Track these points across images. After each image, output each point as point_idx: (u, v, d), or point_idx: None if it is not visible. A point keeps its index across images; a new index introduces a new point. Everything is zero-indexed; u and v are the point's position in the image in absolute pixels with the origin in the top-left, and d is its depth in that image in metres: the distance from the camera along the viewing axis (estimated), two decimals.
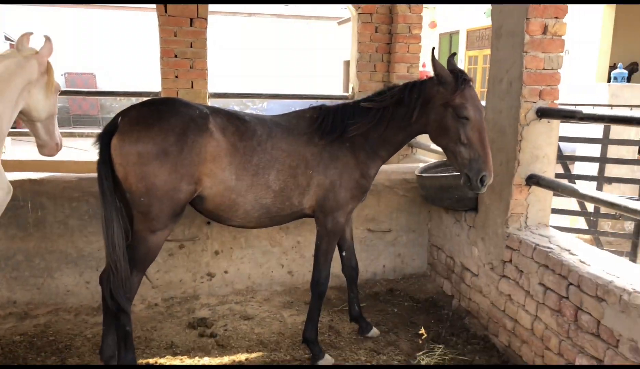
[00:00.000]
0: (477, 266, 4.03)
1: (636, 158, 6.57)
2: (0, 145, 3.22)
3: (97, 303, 4.16)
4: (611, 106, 6.46)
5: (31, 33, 3.33)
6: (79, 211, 4.16)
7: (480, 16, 16.17)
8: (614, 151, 6.41)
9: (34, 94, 3.25)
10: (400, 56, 6.18)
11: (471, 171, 3.04)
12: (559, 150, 5.68)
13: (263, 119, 3.37)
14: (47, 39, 3.29)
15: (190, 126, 2.98)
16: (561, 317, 3.10)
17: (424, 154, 6.10)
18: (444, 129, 3.13)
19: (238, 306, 4.33)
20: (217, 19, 22.97)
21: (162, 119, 2.96)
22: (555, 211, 5.41)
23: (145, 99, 3.45)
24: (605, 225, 6.59)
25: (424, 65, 11.77)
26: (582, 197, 3.40)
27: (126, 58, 22.26)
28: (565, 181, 4.77)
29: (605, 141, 5.47)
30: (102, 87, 20.85)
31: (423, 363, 3.54)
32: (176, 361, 3.50)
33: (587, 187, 4.20)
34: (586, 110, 3.31)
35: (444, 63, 3.15)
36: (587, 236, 6.00)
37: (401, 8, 6.05)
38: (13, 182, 3.32)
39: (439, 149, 3.62)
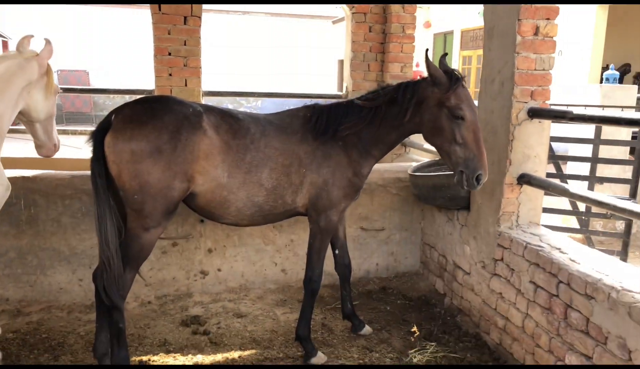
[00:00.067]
0: (469, 264, 4.06)
1: (627, 158, 6.62)
2: (1, 144, 3.25)
3: (90, 300, 4.16)
4: (602, 106, 6.51)
5: (32, 36, 3.42)
6: (71, 208, 4.16)
7: (475, 16, 16.24)
8: (606, 151, 6.46)
9: (33, 95, 3.34)
10: (394, 56, 6.20)
11: (467, 169, 3.08)
12: (551, 150, 5.73)
13: (256, 118, 3.38)
14: (48, 41, 3.37)
15: (183, 124, 2.99)
16: (551, 315, 3.14)
17: (417, 153, 6.12)
18: (439, 129, 3.16)
19: (231, 304, 4.34)
20: (211, 17, 22.97)
21: (155, 117, 2.96)
22: (547, 210, 5.46)
23: (138, 96, 3.46)
24: (597, 224, 6.64)
25: (417, 65, 11.81)
26: (572, 197, 3.44)
27: (120, 55, 22.22)
28: (557, 181, 4.81)
29: (597, 141, 5.51)
30: (95, 84, 20.79)
31: (415, 360, 3.57)
32: (169, 359, 3.51)
33: (577, 187, 4.24)
34: (576, 110, 3.35)
35: (436, 64, 3.17)
36: (579, 235, 6.05)
37: (395, 8, 6.08)
38: None
39: (432, 148, 3.65)
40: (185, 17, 5.69)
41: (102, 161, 2.94)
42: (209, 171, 3.06)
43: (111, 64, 22.01)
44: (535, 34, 3.47)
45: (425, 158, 5.48)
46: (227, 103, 17.41)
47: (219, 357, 3.56)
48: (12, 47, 17.71)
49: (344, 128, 3.35)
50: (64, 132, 4.11)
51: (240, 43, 24.87)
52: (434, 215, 4.69)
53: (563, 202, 5.89)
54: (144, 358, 3.49)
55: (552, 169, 5.82)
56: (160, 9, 5.61)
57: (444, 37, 19.05)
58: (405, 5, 6.08)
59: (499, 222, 3.67)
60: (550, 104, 3.67)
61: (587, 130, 5.86)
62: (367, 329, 3.93)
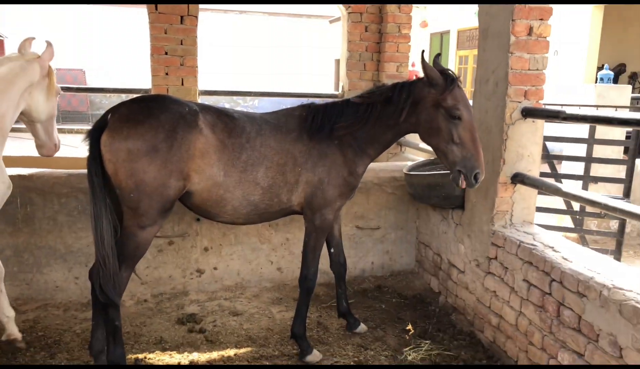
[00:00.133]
0: (464, 263, 4.09)
1: (622, 158, 6.66)
2: (3, 143, 3.33)
3: (86, 298, 4.17)
4: (597, 106, 6.55)
5: (33, 38, 3.54)
6: (68, 207, 4.17)
7: (471, 16, 16.28)
8: (600, 151, 6.50)
9: (35, 96, 3.44)
10: (390, 55, 6.23)
11: (465, 168, 3.12)
12: (546, 149, 5.77)
13: (252, 117, 3.40)
14: (49, 44, 3.48)
15: (179, 123, 3.00)
16: (544, 312, 3.16)
17: (413, 152, 6.15)
18: (436, 129, 3.19)
19: (227, 302, 4.36)
20: (208, 16, 22.96)
21: (151, 115, 2.98)
22: (542, 209, 5.49)
23: (135, 96, 3.48)
24: (592, 224, 6.68)
25: (413, 65, 11.85)
26: (564, 196, 3.48)
27: (119, 55, 22.22)
28: (552, 180, 4.84)
29: (591, 141, 5.55)
30: (93, 83, 20.77)
31: (409, 358, 3.60)
32: (165, 357, 3.53)
33: (570, 186, 4.28)
34: (569, 110, 3.38)
35: (431, 64, 3.20)
36: (574, 235, 6.09)
37: (391, 8, 6.11)
38: None
39: (428, 147, 3.67)
40: (182, 17, 5.71)
41: (98, 159, 2.95)
42: (204, 170, 3.08)
43: (110, 63, 22.02)
44: (529, 34, 3.50)
45: (420, 157, 5.51)
46: (224, 102, 17.41)
47: (214, 355, 3.58)
48: (8, 46, 17.68)
49: (339, 127, 3.37)
50: (61, 130, 4.13)
51: (238, 43, 24.88)
52: (429, 214, 4.72)
53: (558, 202, 5.92)
54: (140, 356, 3.50)
55: (547, 168, 5.86)
56: (157, 9, 5.63)
57: (441, 37, 19.09)
58: (401, 5, 6.11)
59: (492, 221, 3.70)
60: (546, 104, 3.71)
61: (581, 130, 5.90)
62: (362, 327, 3.95)
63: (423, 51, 3.20)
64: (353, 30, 6.31)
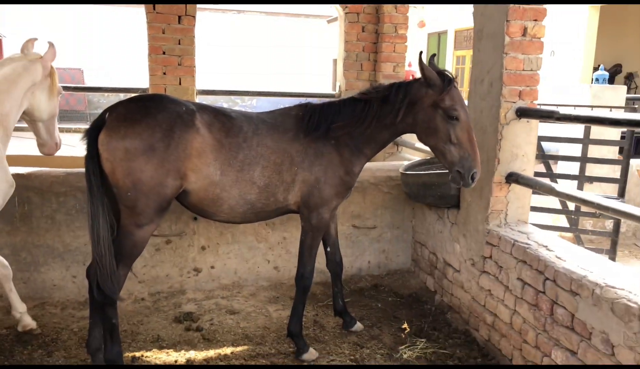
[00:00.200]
0: (459, 262, 4.12)
1: (617, 158, 6.69)
2: (7, 142, 3.42)
3: (83, 297, 4.19)
4: (592, 107, 6.59)
5: (36, 38, 3.63)
6: (66, 205, 4.18)
7: (469, 17, 16.28)
8: (596, 151, 6.53)
9: (37, 96, 3.54)
10: (387, 56, 6.26)
11: (463, 168, 3.16)
12: (541, 149, 5.80)
13: (249, 116, 3.42)
14: (51, 44, 3.57)
15: (176, 122, 3.02)
16: (538, 311, 3.19)
17: (410, 152, 6.18)
18: (434, 129, 3.22)
19: (224, 301, 4.38)
20: (207, 15, 22.96)
21: (149, 115, 3.00)
22: (538, 209, 5.53)
23: (133, 95, 3.51)
24: (587, 223, 6.71)
25: (410, 65, 11.87)
26: (558, 195, 3.51)
27: (114, 54, 22.20)
28: (547, 180, 4.87)
29: (586, 141, 5.58)
30: (91, 83, 20.76)
31: (405, 356, 3.62)
32: (162, 355, 3.55)
33: (564, 186, 4.31)
34: (563, 110, 3.41)
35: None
36: (569, 234, 6.12)
37: (387, 8, 6.14)
38: None
39: (424, 147, 3.70)
40: (179, 17, 5.73)
41: (96, 158, 2.97)
42: (201, 169, 3.10)
43: (108, 62, 22.01)
44: (524, 35, 3.53)
45: (417, 157, 5.54)
46: (223, 102, 17.43)
47: (211, 353, 3.60)
48: (7, 45, 17.67)
49: (336, 127, 3.40)
50: (59, 129, 4.17)
51: (237, 42, 24.88)
52: (425, 213, 4.75)
53: (553, 202, 5.95)
54: (137, 354, 3.52)
55: (542, 168, 5.89)
56: (154, 9, 5.65)
57: (438, 37, 19.13)
58: (398, 5, 6.14)
59: (487, 220, 3.73)
60: (542, 104, 3.74)
61: (577, 130, 5.93)
62: (358, 325, 3.98)
63: (421, 52, 3.23)
64: (350, 30, 6.34)
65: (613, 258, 5.55)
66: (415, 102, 3.26)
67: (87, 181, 3.00)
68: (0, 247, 4.10)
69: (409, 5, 6.24)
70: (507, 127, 3.61)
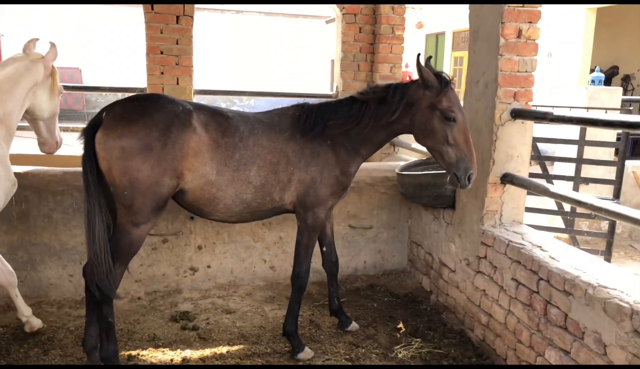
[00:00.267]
0: (454, 262, 4.14)
1: (613, 159, 6.72)
2: (10, 141, 3.49)
3: (80, 296, 4.20)
4: (587, 108, 6.61)
5: (37, 39, 3.68)
6: (63, 204, 4.20)
7: (467, 18, 16.33)
8: (592, 153, 6.56)
9: (39, 95, 3.62)
10: (384, 56, 6.29)
11: (459, 170, 3.19)
12: (537, 151, 5.83)
13: (246, 116, 3.43)
14: (53, 45, 3.64)
15: (173, 122, 3.04)
16: (532, 311, 3.21)
17: (406, 152, 6.20)
18: (431, 130, 3.25)
19: (220, 300, 4.40)
20: (205, 15, 22.97)
21: (145, 114, 3.01)
22: (534, 210, 5.54)
23: (130, 94, 3.53)
24: (583, 225, 6.73)
25: (407, 66, 11.88)
26: (552, 196, 3.53)
27: (113, 53, 22.21)
28: (542, 181, 4.89)
29: (582, 142, 5.61)
30: (88, 82, 20.77)
31: (400, 356, 3.64)
32: (158, 354, 3.56)
33: (557, 187, 4.34)
34: (557, 112, 3.43)
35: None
36: (565, 235, 6.14)
37: (384, 9, 6.17)
38: None
39: (420, 147, 3.72)
40: (177, 17, 5.75)
41: (93, 157, 2.98)
42: (197, 168, 3.12)
43: (107, 61, 22.02)
44: (518, 36, 3.55)
45: (413, 157, 5.56)
46: (221, 102, 17.44)
47: (207, 352, 3.61)
48: (6, 44, 17.67)
49: (331, 124, 3.41)
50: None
51: (235, 42, 24.90)
52: (421, 213, 4.77)
53: (549, 203, 5.97)
54: (133, 353, 3.53)
55: (538, 169, 5.92)
56: (153, 9, 5.67)
57: (436, 38, 19.17)
58: (395, 6, 6.17)
59: (482, 220, 3.75)
60: (538, 105, 3.76)
61: (573, 131, 5.95)
62: (354, 325, 3.99)
63: (419, 54, 3.25)
64: (347, 31, 6.36)
65: (608, 259, 5.57)
66: (413, 104, 3.28)
67: (84, 180, 3.01)
68: None
69: (407, 6, 6.26)
70: (502, 128, 3.63)
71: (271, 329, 3.95)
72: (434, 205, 4.37)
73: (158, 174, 2.98)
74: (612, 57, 14.91)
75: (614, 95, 7.15)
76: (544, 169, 5.94)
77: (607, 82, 12.84)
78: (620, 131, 5.66)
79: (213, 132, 3.18)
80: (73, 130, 5.72)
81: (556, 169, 7.47)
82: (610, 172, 6.56)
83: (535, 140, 5.60)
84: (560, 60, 13.14)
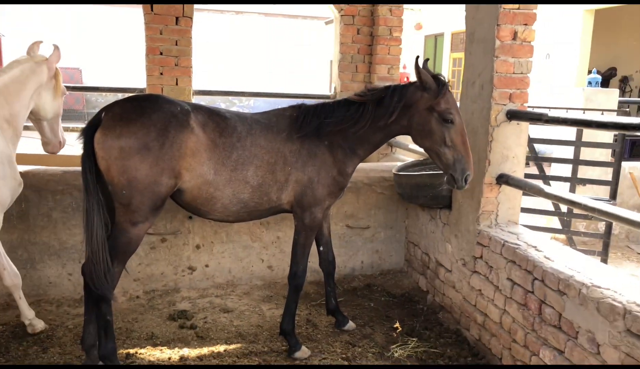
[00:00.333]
0: (451, 262, 4.17)
1: (610, 160, 6.76)
2: (16, 142, 3.57)
3: (79, 294, 4.23)
4: (584, 109, 6.65)
5: (41, 41, 3.79)
6: (62, 203, 4.22)
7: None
8: (589, 154, 6.59)
9: (43, 96, 3.71)
10: (381, 58, 6.32)
11: (456, 171, 3.23)
12: (534, 152, 5.86)
13: (244, 117, 3.46)
14: (56, 47, 3.73)
15: (171, 122, 3.06)
16: (527, 310, 3.24)
17: (404, 153, 6.23)
18: (429, 132, 3.28)
19: (218, 299, 4.42)
20: (205, 16, 23.00)
21: (144, 114, 3.04)
22: (530, 210, 5.58)
23: (129, 94, 3.56)
24: (580, 225, 6.77)
25: (404, 67, 11.91)
26: (547, 197, 3.56)
27: (113, 54, 22.24)
28: (539, 182, 4.92)
29: (578, 143, 5.64)
30: (88, 82, 20.80)
31: (396, 355, 3.66)
32: (156, 352, 3.58)
33: (552, 187, 4.36)
34: (552, 113, 3.47)
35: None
36: (562, 236, 6.17)
37: (382, 11, 6.20)
38: None
39: (418, 148, 3.75)
40: (177, 18, 5.78)
41: (92, 157, 3.01)
42: (195, 168, 3.14)
43: (106, 62, 22.06)
44: (514, 38, 3.59)
45: (410, 158, 5.58)
46: (220, 102, 17.47)
47: (205, 350, 3.63)
48: (6, 44, 17.68)
49: (329, 123, 3.43)
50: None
51: (235, 43, 24.93)
52: (418, 214, 4.80)
53: (546, 203, 6.00)
54: (131, 351, 3.56)
55: (535, 170, 5.95)
56: (152, 9, 5.70)
57: (435, 39, 19.20)
58: (393, 8, 6.21)
59: (478, 220, 3.78)
60: (535, 107, 3.79)
61: (570, 132, 5.99)
62: (350, 324, 4.02)
63: (417, 57, 3.28)
64: (345, 32, 6.40)
65: (605, 260, 5.60)
66: (411, 105, 3.32)
67: (83, 179, 3.04)
68: None
69: (406, 7, 6.30)
70: (497, 129, 3.67)
71: (268, 328, 3.98)
72: (430, 205, 4.40)
73: (156, 174, 3.01)
74: (610, 58, 14.96)
75: (611, 96, 7.19)
76: (541, 169, 5.97)
77: (605, 83, 12.88)
78: (611, 132, 5.69)
79: (211, 132, 3.20)
80: (73, 130, 5.74)
81: (553, 170, 7.50)
82: (606, 173, 6.59)
83: (533, 141, 5.64)
84: (558, 61, 13.18)
